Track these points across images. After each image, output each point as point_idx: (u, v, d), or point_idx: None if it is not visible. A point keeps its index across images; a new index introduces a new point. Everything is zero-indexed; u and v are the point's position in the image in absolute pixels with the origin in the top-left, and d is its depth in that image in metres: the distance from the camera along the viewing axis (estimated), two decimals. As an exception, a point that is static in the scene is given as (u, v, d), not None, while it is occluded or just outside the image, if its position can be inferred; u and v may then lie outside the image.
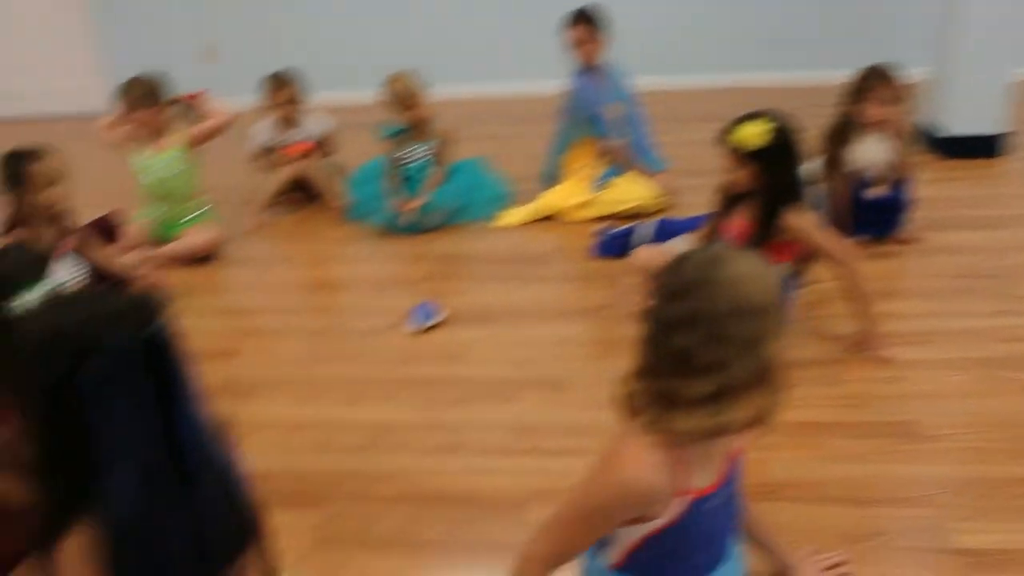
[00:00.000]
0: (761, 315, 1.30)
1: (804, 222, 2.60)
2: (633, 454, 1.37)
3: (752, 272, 1.32)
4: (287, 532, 1.60)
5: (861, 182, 3.48)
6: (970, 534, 2.02)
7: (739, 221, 2.67)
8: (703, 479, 1.44)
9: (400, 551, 2.06)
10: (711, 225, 2.75)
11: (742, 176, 2.56)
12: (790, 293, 2.73)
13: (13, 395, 1.91)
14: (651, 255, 2.89)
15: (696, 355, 1.29)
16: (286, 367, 2.85)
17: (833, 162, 3.44)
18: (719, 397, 1.31)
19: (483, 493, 2.23)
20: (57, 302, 1.31)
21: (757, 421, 1.36)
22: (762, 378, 1.33)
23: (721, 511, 1.52)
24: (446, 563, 2.04)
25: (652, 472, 1.37)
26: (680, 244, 2.91)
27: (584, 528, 1.45)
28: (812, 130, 3.45)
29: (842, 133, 3.43)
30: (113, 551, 1.21)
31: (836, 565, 1.91)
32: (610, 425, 2.36)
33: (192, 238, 3.82)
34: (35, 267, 1.88)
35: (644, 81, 4.38)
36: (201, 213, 3.97)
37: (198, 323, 2.95)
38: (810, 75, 5.82)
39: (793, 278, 2.73)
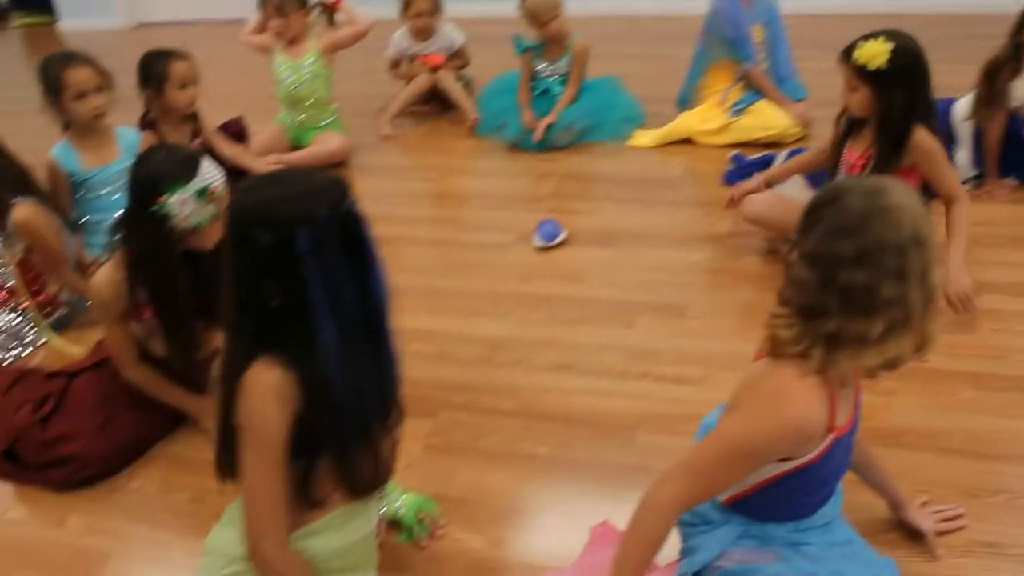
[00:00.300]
0: (928, 244, 1.29)
1: (931, 143, 2.49)
2: (798, 392, 1.36)
3: (913, 201, 1.30)
4: (399, 438, 1.64)
5: (1017, 119, 3.28)
6: (1104, 501, 1.93)
7: (860, 147, 2.59)
8: (844, 416, 1.45)
9: (508, 464, 2.10)
10: (832, 153, 2.67)
11: (862, 98, 2.48)
12: None
13: (151, 297, 2.03)
14: (763, 203, 2.83)
15: (873, 292, 1.28)
16: (408, 276, 2.90)
17: (990, 96, 3.24)
18: (889, 332, 1.30)
19: (593, 414, 2.24)
20: (269, 179, 1.43)
21: (919, 352, 1.36)
22: (928, 308, 1.31)
23: (847, 448, 1.53)
24: (552, 480, 2.07)
25: (818, 410, 1.37)
26: (788, 188, 2.81)
27: (733, 468, 1.42)
28: (976, 63, 3.27)
29: (1004, 66, 3.22)
30: (318, 397, 1.39)
31: (952, 518, 1.86)
32: (726, 356, 2.36)
33: (323, 145, 3.91)
34: (185, 166, 1.97)
35: (792, 3, 4.20)
36: (333, 120, 4.05)
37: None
38: (981, 4, 5.46)
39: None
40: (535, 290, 2.81)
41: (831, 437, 1.42)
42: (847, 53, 2.46)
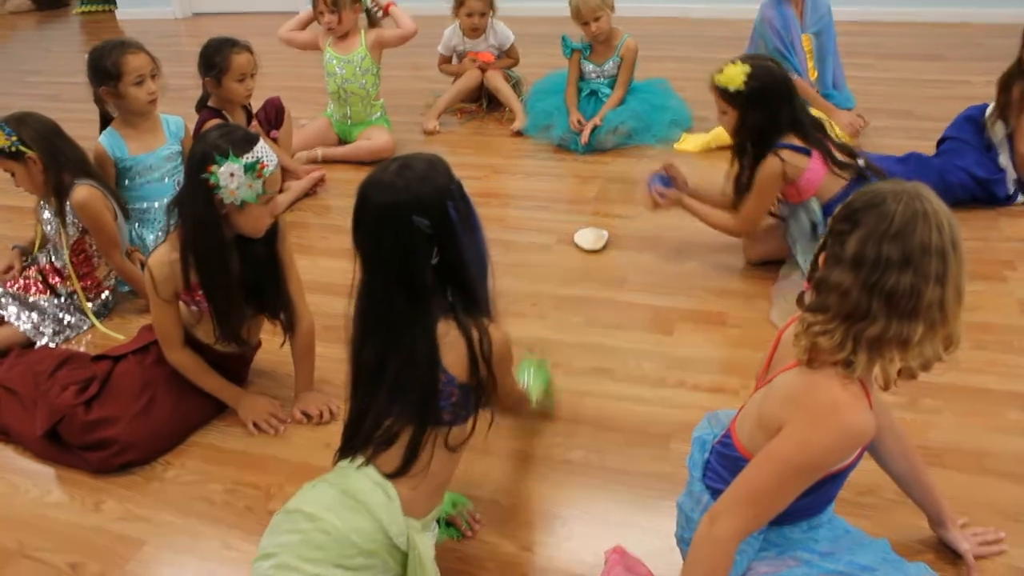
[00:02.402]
0: (962, 248, 1.32)
1: (770, 169, 2.63)
2: (851, 401, 1.37)
3: (944, 205, 1.33)
4: (434, 435, 1.65)
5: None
6: None
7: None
8: None
9: (542, 468, 2.10)
10: (748, 177, 2.75)
11: (730, 120, 2.66)
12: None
13: (202, 277, 2.08)
14: (763, 248, 2.93)
15: (918, 295, 1.30)
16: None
17: (1007, 107, 3.19)
18: (928, 334, 1.33)
19: (629, 421, 2.23)
20: (394, 172, 1.57)
21: (948, 350, 1.37)
22: (958, 309, 1.34)
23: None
24: (585, 486, 2.06)
25: (867, 417, 1.39)
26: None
27: (795, 488, 1.42)
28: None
29: (1016, 77, 3.16)
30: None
31: (992, 541, 1.83)
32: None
33: (370, 140, 3.94)
34: (239, 142, 2.00)
35: (845, 11, 4.15)
36: (380, 116, 4.07)
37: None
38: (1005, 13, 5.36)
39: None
40: (576, 293, 2.81)
41: (870, 440, 1.43)
42: (713, 82, 2.63)
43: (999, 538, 1.84)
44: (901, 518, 1.88)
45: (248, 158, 2.00)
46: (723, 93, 2.62)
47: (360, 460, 1.63)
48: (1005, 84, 3.22)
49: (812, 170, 2.62)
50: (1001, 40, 3.74)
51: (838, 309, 1.35)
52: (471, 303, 1.63)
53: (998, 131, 3.25)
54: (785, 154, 2.62)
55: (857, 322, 1.34)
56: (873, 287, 1.31)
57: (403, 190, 1.53)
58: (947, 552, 1.81)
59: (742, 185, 2.73)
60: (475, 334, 1.60)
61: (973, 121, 3.36)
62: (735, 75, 2.57)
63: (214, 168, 1.97)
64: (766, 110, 2.59)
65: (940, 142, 3.46)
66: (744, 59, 2.62)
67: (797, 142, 2.62)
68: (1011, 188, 3.24)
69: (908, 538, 1.84)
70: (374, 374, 1.63)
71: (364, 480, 1.61)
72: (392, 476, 1.61)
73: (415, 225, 1.52)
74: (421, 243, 1.54)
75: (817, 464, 1.40)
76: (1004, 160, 3.26)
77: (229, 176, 1.98)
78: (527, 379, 2.13)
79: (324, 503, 1.60)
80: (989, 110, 3.30)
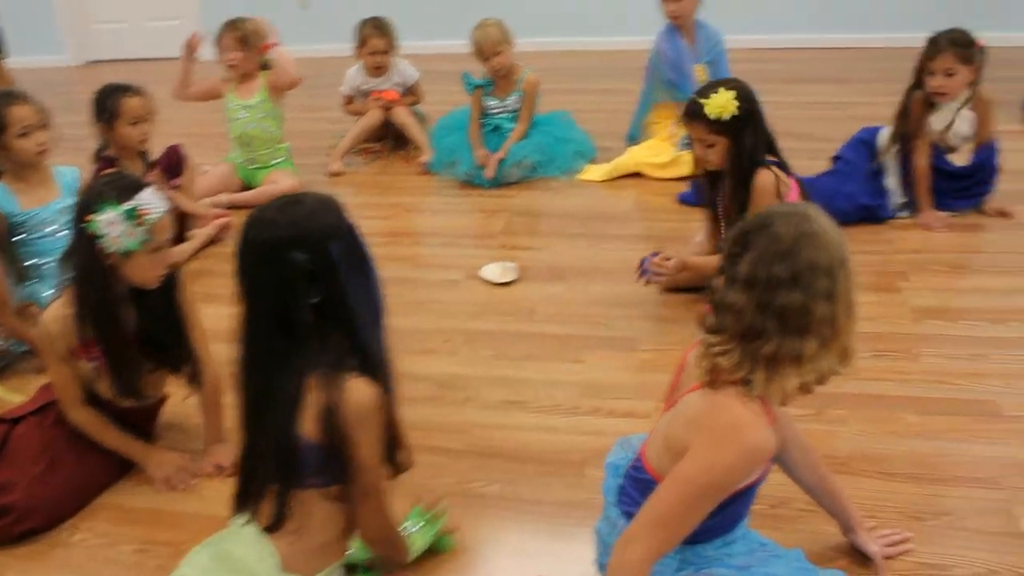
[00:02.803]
0: (849, 265, 1.38)
1: (766, 180, 2.60)
2: (751, 419, 1.40)
3: (832, 224, 1.39)
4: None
5: (940, 151, 3.37)
6: (1040, 520, 1.97)
7: (726, 196, 2.69)
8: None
9: (458, 504, 2.08)
10: (711, 214, 2.78)
11: (720, 150, 2.59)
12: None
13: (95, 331, 2.01)
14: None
15: (808, 312, 1.34)
16: (359, 316, 2.89)
17: (908, 132, 3.34)
18: (821, 350, 1.37)
19: (543, 451, 2.24)
20: (277, 207, 1.52)
21: (843, 364, 1.42)
22: (851, 326, 1.39)
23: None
24: (502, 519, 2.05)
25: (768, 434, 1.41)
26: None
27: (702, 509, 1.45)
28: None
29: (913, 99, 3.32)
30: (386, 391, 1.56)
31: (898, 542, 1.89)
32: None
33: (274, 184, 3.90)
34: (122, 189, 1.97)
35: (738, 40, 4.27)
36: (284, 159, 4.04)
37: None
38: (915, 37, 5.60)
39: None
40: (485, 327, 2.82)
41: (772, 456, 1.47)
42: (695, 113, 2.56)
43: (906, 538, 1.89)
44: (813, 527, 1.92)
45: (128, 205, 1.96)
46: (715, 124, 2.54)
47: (247, 515, 1.61)
48: (904, 107, 3.36)
49: (793, 188, 2.66)
50: (899, 63, 3.84)
51: (734, 329, 1.39)
52: (356, 351, 1.54)
53: (892, 153, 3.39)
54: (775, 170, 2.62)
55: (753, 341, 1.37)
56: (766, 306, 1.35)
57: (284, 226, 1.49)
58: (858, 556, 1.85)
59: (737, 211, 2.63)
60: (330, 391, 1.50)
61: (866, 144, 3.50)
62: (726, 102, 2.51)
63: (94, 217, 1.93)
64: (756, 127, 2.58)
65: (835, 159, 3.60)
66: (718, 84, 2.57)
67: (772, 158, 2.65)
68: (892, 211, 3.39)
69: (821, 546, 1.89)
70: (249, 420, 1.59)
71: (243, 539, 1.59)
72: (269, 531, 1.59)
73: (294, 261, 1.47)
74: (300, 280, 1.48)
75: (722, 483, 1.43)
76: (892, 182, 3.40)
77: (109, 224, 1.93)
78: (413, 529, 1.88)
79: (202, 566, 1.61)
80: (885, 132, 3.44)
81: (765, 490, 1.92)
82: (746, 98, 2.54)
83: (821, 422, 2.29)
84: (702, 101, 2.52)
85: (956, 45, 3.19)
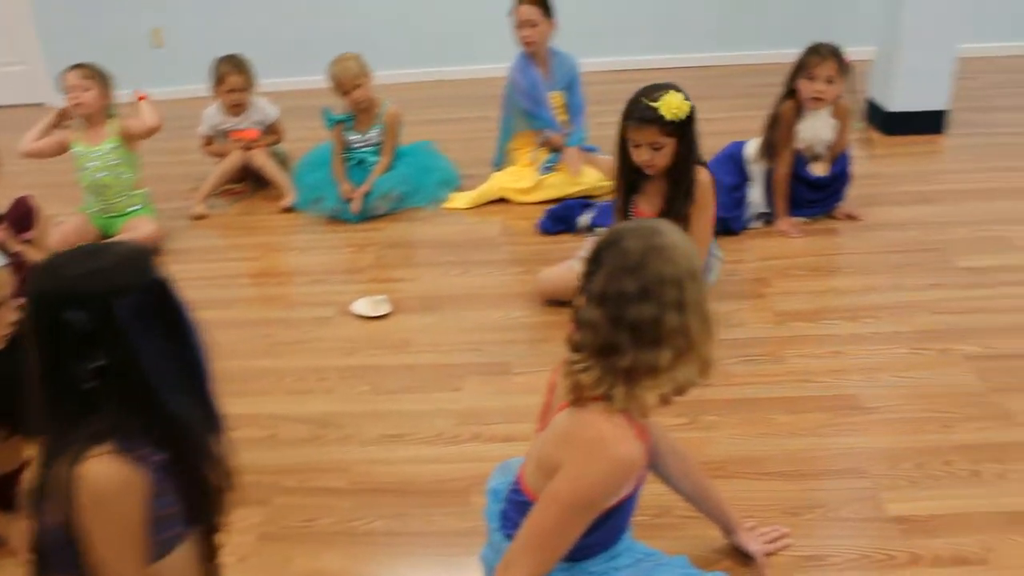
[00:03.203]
0: (700, 276, 1.41)
1: (707, 177, 2.64)
2: (615, 433, 1.41)
3: (684, 239, 1.42)
4: (231, 530, 1.57)
5: (802, 160, 3.52)
6: (902, 502, 2.07)
7: (651, 203, 2.68)
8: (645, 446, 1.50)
9: (346, 543, 2.06)
10: (623, 211, 2.74)
11: (668, 152, 2.55)
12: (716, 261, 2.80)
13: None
14: (555, 276, 2.95)
15: (659, 324, 1.36)
16: (230, 360, 2.78)
17: (777, 141, 3.48)
18: (677, 360, 1.39)
19: (427, 482, 2.23)
20: (69, 257, 1.36)
21: (703, 375, 1.44)
22: (707, 335, 1.41)
23: (644, 474, 1.58)
24: (390, 555, 2.04)
25: (634, 446, 1.42)
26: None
27: (576, 527, 1.45)
28: (763, 109, 3.52)
29: (783, 111, 3.46)
30: (189, 471, 1.38)
31: (777, 538, 1.95)
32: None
33: (133, 232, 3.76)
34: None
35: (595, 63, 4.36)
36: (142, 206, 3.92)
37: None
38: (757, 54, 5.87)
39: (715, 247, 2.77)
40: (360, 362, 2.79)
41: (643, 467, 1.49)
42: (649, 118, 2.49)
43: (784, 534, 1.96)
44: (696, 532, 1.97)
45: None
46: (669, 126, 2.50)
47: None
48: (775, 119, 3.48)
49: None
50: (751, 79, 4.01)
51: (592, 346, 1.41)
52: (152, 420, 1.34)
53: (760, 166, 3.52)
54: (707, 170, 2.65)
55: (610, 356, 1.39)
56: (618, 321, 1.38)
57: (66, 279, 1.31)
58: (741, 556, 1.91)
59: (673, 213, 2.61)
60: (67, 471, 1.29)
61: (732, 159, 3.62)
62: (680, 103, 2.48)
63: None
64: (695, 128, 2.58)
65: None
66: (659, 88, 2.53)
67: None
68: (745, 222, 3.53)
69: (704, 550, 1.94)
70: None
71: None
72: None
73: (69, 320, 1.28)
74: (77, 341, 1.29)
75: (593, 500, 1.44)
76: (755, 194, 3.53)
77: None
78: None
79: None
80: (751, 144, 3.57)
81: (647, 500, 1.96)
82: (691, 102, 2.54)
83: (695, 429, 2.35)
84: (655, 104, 2.48)
85: (836, 55, 3.36)
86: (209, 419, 1.44)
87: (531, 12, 3.82)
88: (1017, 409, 2.39)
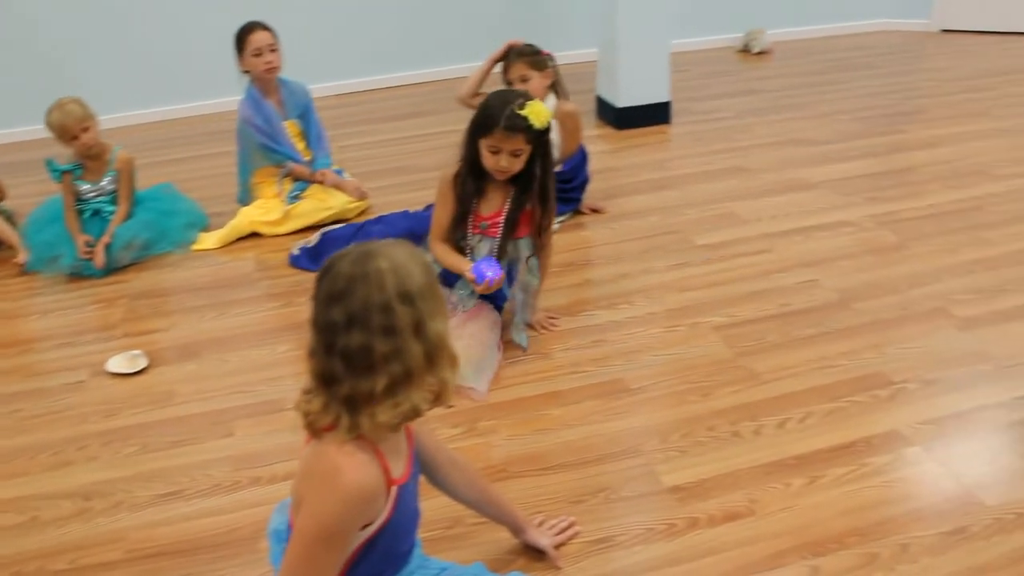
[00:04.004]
0: (420, 298, 1.36)
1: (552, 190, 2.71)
2: (346, 461, 1.38)
3: (403, 261, 1.38)
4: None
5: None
6: (676, 472, 2.21)
7: (494, 206, 2.71)
8: (399, 467, 1.50)
9: (129, 616, 1.94)
10: (460, 224, 2.73)
11: (525, 158, 2.59)
12: (538, 265, 2.83)
13: None
14: None
15: (368, 351, 1.33)
16: (-25, 444, 2.59)
17: None
18: (397, 386, 1.36)
19: (212, 535, 2.13)
20: None
21: (438, 400, 1.44)
22: (434, 358, 1.39)
23: (413, 495, 1.59)
24: (181, 616, 1.94)
25: (371, 470, 1.40)
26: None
27: (328, 558, 1.42)
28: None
29: None
30: None
31: (565, 528, 2.02)
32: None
33: None
34: None
35: (322, 88, 4.32)
36: None
37: None
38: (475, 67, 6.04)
39: (537, 249, 2.81)
40: (123, 423, 2.62)
41: (394, 490, 1.47)
42: (519, 126, 2.50)
43: (571, 523, 2.04)
44: (488, 537, 2.00)
45: None
46: (534, 133, 2.52)
47: None
48: None
49: None
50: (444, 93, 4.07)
51: (315, 375, 1.39)
52: None
53: None
54: None
55: (331, 385, 1.37)
56: (330, 349, 1.36)
57: None
58: (533, 552, 1.96)
59: (513, 215, 2.69)
60: None
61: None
62: (545, 111, 2.53)
63: None
64: (550, 135, 2.62)
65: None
66: (516, 97, 2.54)
67: None
68: None
69: (498, 553, 1.97)
70: None
71: None
72: None
73: None
74: None
75: (336, 531, 1.40)
76: None
77: None
78: None
79: None
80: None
81: (436, 514, 1.99)
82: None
83: (474, 436, 2.39)
84: (524, 113, 2.48)
85: (523, 55, 3.48)
86: None
87: (269, 37, 3.78)
88: (762, 368, 2.60)
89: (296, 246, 3.59)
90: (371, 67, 6.15)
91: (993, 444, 2.25)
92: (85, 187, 3.80)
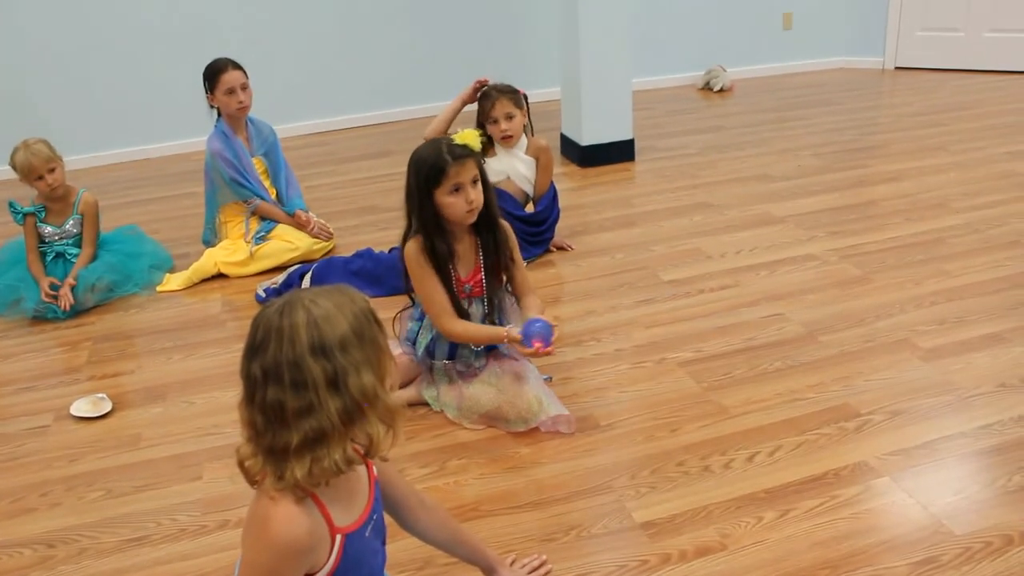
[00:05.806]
0: (341, 351, 1.32)
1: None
2: (276, 512, 1.35)
3: (328, 309, 1.33)
4: None
5: (514, 201, 3.68)
6: (647, 508, 2.20)
7: (468, 266, 2.63)
8: (350, 515, 1.47)
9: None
10: (448, 287, 2.59)
11: (480, 189, 2.51)
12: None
13: None
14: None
15: (285, 404, 1.30)
16: (-66, 492, 2.53)
17: None
18: (313, 442, 1.32)
19: (180, 581, 2.10)
20: None
21: (370, 454, 1.40)
22: (355, 413, 1.35)
23: (373, 539, 1.55)
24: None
25: (303, 520, 1.36)
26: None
27: None
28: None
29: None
30: None
31: (538, 567, 2.00)
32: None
33: None
34: None
35: (299, 126, 4.34)
36: None
37: None
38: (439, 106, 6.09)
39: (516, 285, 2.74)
40: (88, 468, 2.58)
41: (339, 539, 1.44)
42: (464, 153, 2.44)
43: (543, 561, 2.02)
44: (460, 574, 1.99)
45: None
46: (478, 157, 2.49)
47: None
48: None
49: None
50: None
51: (244, 424, 1.37)
52: None
53: None
54: None
55: (260, 435, 1.35)
56: (252, 400, 1.34)
57: None
58: (507, 593, 1.94)
59: (493, 262, 2.62)
60: None
61: None
62: (473, 133, 2.48)
63: None
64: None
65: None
66: (442, 139, 2.50)
67: None
68: None
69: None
70: None
71: None
72: None
73: None
74: None
75: None
76: None
77: None
78: None
79: None
80: None
81: (408, 555, 1.98)
82: None
83: (444, 476, 2.38)
84: (461, 142, 2.45)
85: (505, 92, 3.53)
86: None
87: (242, 76, 3.83)
88: (730, 403, 2.62)
89: (261, 287, 3.58)
90: (338, 107, 6.19)
91: (960, 473, 2.27)
92: (49, 230, 3.77)
